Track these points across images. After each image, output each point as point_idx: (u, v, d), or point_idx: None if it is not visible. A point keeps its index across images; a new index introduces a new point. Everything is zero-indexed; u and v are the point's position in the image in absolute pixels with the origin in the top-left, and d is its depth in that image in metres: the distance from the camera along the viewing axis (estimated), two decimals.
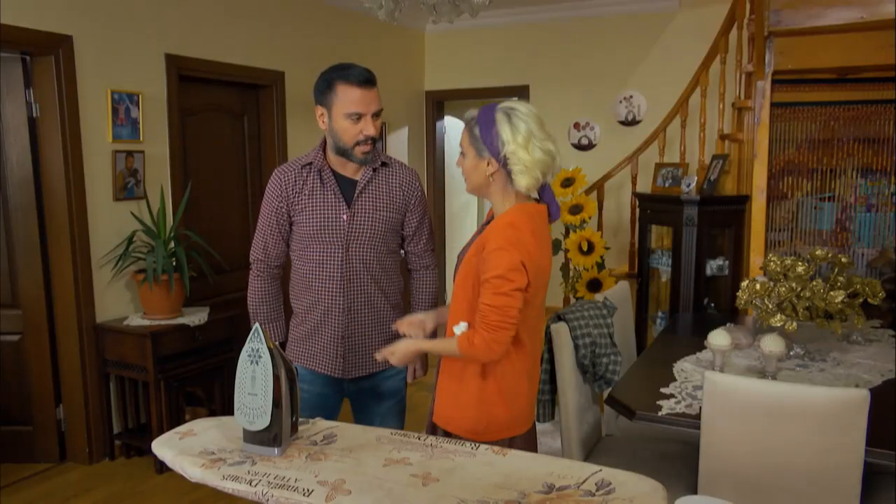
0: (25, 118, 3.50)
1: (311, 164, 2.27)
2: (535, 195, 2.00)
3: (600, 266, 4.67)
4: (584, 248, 4.61)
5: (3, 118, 3.50)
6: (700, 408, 2.15)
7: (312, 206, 2.23)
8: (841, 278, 2.75)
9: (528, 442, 2.05)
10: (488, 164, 1.89)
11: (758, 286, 2.74)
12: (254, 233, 2.40)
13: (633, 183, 5.05)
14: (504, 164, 1.86)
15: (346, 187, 2.25)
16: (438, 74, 6.57)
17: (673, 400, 2.34)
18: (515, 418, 1.99)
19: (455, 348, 1.87)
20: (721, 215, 4.24)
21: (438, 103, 6.69)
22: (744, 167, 4.35)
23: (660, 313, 4.67)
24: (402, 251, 2.43)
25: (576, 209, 4.67)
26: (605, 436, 2.93)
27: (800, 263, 2.70)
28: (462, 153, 1.96)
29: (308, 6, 5.10)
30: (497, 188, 1.93)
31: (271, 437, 1.63)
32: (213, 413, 3.98)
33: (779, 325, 2.60)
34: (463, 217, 7.67)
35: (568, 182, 4.73)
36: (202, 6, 4.24)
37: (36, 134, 3.52)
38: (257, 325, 1.65)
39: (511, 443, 1.97)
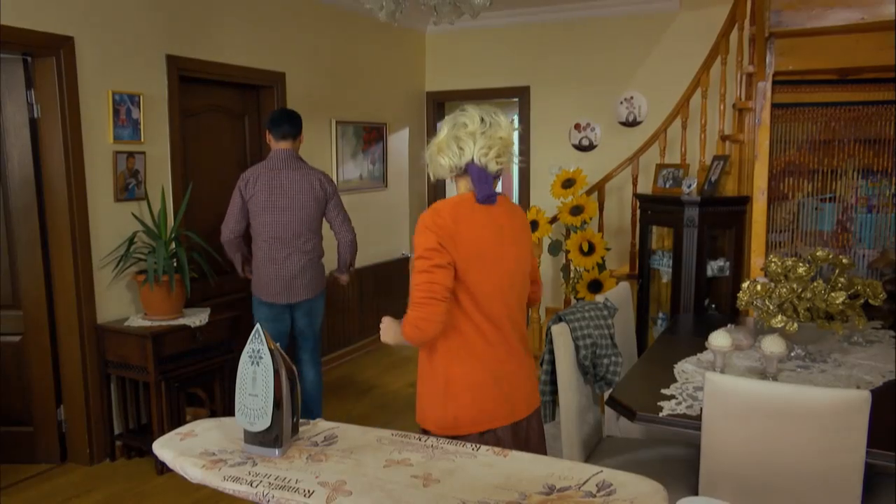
0: (27, 119, 3.50)
1: None
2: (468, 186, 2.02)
3: (601, 267, 4.67)
4: (585, 248, 4.61)
5: (4, 119, 3.51)
6: (701, 409, 2.15)
7: None
8: (842, 279, 2.75)
9: (510, 437, 2.00)
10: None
11: (759, 287, 2.74)
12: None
13: (634, 184, 5.05)
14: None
15: None
16: (439, 75, 6.58)
17: (674, 401, 2.34)
18: (470, 413, 1.96)
19: (400, 332, 1.98)
20: (722, 216, 4.24)
21: (439, 104, 6.69)
22: (744, 168, 4.35)
23: (660, 314, 4.67)
24: None
25: (576, 210, 4.67)
26: (605, 437, 2.93)
27: (801, 264, 2.70)
28: None
29: (309, 7, 5.11)
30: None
31: (272, 437, 1.63)
32: (213, 414, 3.98)
33: (779, 326, 2.59)
34: None
35: (569, 183, 4.73)
36: (203, 7, 4.24)
37: (37, 135, 3.52)
38: (258, 325, 1.65)
39: (482, 438, 1.95)
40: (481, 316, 1.94)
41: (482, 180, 1.96)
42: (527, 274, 2.09)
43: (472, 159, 1.94)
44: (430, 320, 1.87)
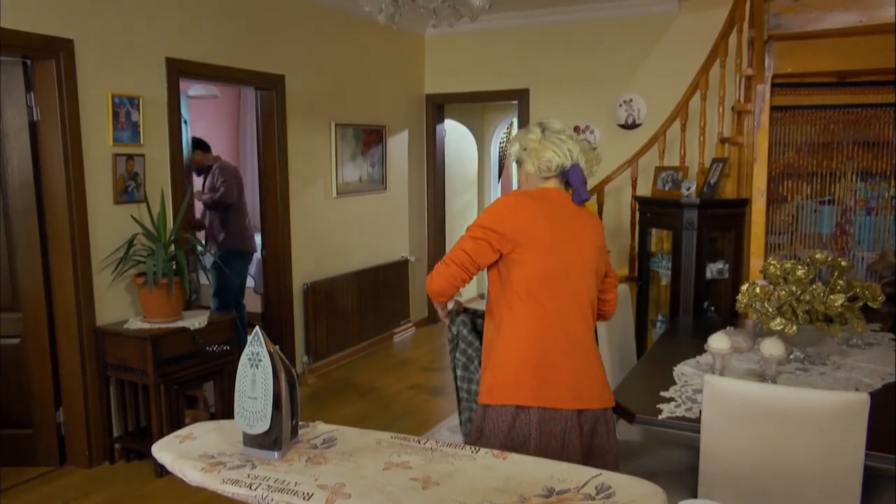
0: (26, 122, 3.50)
1: None
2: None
3: None
4: None
5: (3, 121, 3.51)
6: (700, 411, 2.15)
7: None
8: (841, 282, 2.75)
9: (548, 422, 2.04)
10: None
11: (758, 289, 2.74)
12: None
13: (633, 186, 5.06)
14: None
15: None
16: (439, 78, 6.58)
17: (673, 403, 2.34)
18: (499, 383, 2.07)
19: None
20: (721, 218, 4.24)
21: (439, 106, 6.70)
22: (744, 170, 4.35)
23: (660, 316, 4.67)
24: None
25: None
26: None
27: (800, 267, 2.70)
28: None
29: (308, 10, 5.11)
30: None
31: (271, 440, 1.63)
32: (213, 416, 3.97)
33: (779, 328, 2.60)
34: (462, 219, 7.67)
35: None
36: (203, 10, 4.24)
37: (37, 137, 3.52)
38: (257, 327, 1.65)
39: (516, 411, 2.04)
40: (534, 301, 2.06)
41: (583, 184, 2.14)
42: (590, 275, 2.15)
43: (579, 162, 2.14)
44: (440, 276, 2.10)
